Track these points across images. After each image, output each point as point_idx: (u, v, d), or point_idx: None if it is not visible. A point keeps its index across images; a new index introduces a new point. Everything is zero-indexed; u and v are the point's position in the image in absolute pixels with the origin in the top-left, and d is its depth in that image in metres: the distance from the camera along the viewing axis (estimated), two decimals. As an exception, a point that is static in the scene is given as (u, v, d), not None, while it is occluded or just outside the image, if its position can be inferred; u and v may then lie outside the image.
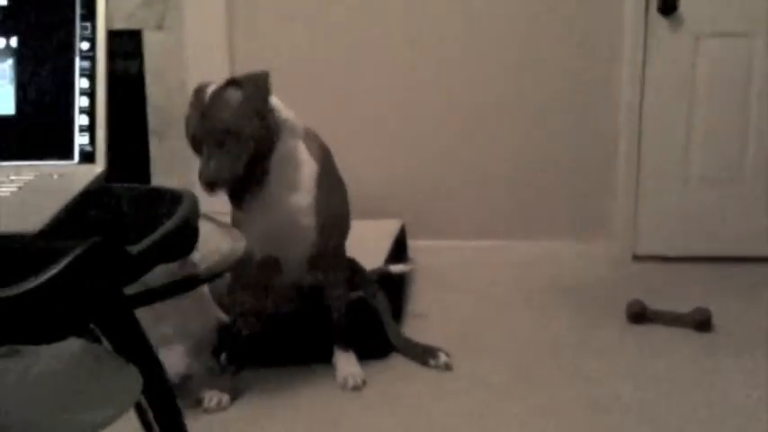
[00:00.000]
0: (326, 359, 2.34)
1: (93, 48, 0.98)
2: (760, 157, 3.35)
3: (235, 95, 2.00)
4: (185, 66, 3.31)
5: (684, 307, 2.72)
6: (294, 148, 2.13)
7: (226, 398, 2.18)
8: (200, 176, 1.98)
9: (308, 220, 2.15)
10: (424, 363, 2.40)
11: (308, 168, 2.15)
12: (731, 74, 3.31)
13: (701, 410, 2.15)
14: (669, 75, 3.32)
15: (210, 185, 1.97)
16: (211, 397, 2.17)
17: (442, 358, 2.40)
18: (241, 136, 1.98)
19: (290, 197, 2.12)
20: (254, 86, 2.01)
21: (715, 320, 2.69)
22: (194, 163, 3.35)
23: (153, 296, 0.93)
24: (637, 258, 3.42)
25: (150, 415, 1.19)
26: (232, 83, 2.01)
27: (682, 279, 3.19)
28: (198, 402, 2.16)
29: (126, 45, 3.33)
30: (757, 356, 2.47)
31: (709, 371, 2.39)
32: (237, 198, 2.04)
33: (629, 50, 3.29)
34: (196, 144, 2.01)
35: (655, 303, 2.76)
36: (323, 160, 2.19)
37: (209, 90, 2.02)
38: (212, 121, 1.98)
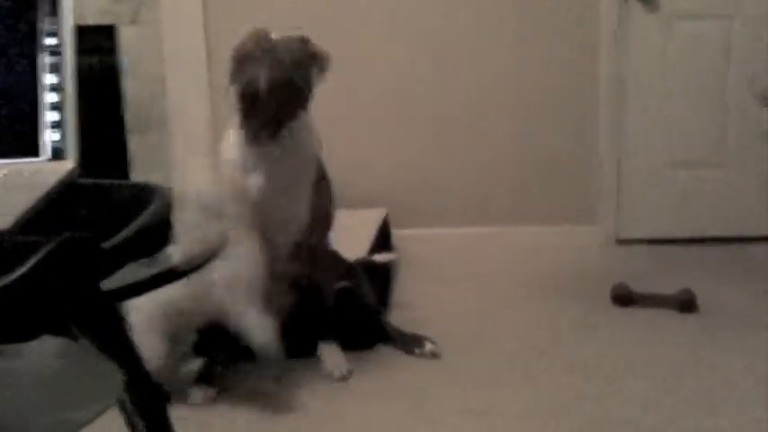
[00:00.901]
0: (312, 353, 2.34)
1: (60, 43, 0.97)
2: (740, 138, 3.36)
3: (303, 47, 2.11)
4: (162, 60, 3.27)
5: (669, 289, 2.73)
6: (308, 128, 2.17)
7: (211, 391, 2.17)
8: (248, 77, 2.02)
9: (303, 205, 2.16)
10: (410, 352, 2.40)
11: (311, 154, 2.19)
12: (709, 56, 3.31)
13: (691, 392, 2.16)
14: (646, 59, 3.32)
15: (252, 84, 2.01)
16: (197, 391, 2.16)
17: (428, 347, 2.40)
18: (301, 76, 2.09)
19: (292, 177, 2.14)
20: (322, 52, 2.14)
21: (699, 301, 2.70)
22: (175, 158, 3.35)
23: (131, 291, 0.92)
24: (621, 242, 3.43)
25: (135, 412, 1.18)
26: (305, 41, 2.12)
27: (665, 262, 3.21)
28: (183, 397, 2.15)
29: (100, 40, 3.29)
30: (741, 335, 2.49)
31: (696, 351, 2.41)
32: (260, 134, 2.07)
33: (606, 36, 3.28)
34: (246, 59, 2.05)
35: (639, 286, 2.77)
36: (318, 151, 2.23)
37: (278, 34, 2.10)
38: (277, 49, 2.06)
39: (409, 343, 2.42)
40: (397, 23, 3.31)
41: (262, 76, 2.01)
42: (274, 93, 2.03)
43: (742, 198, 3.38)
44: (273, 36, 2.10)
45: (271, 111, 2.05)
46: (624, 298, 2.74)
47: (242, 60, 2.06)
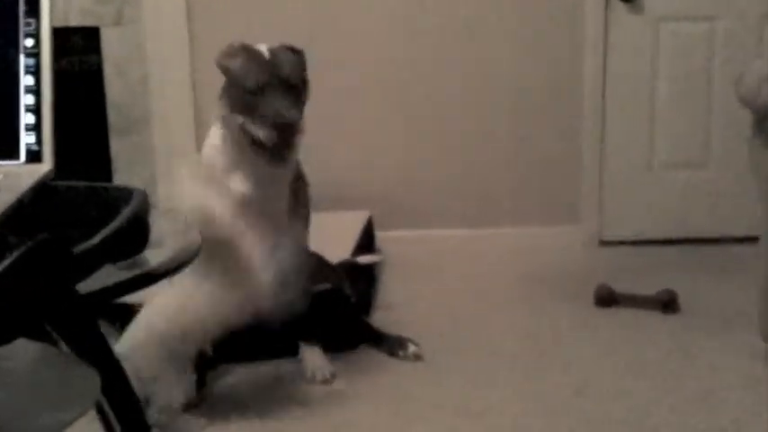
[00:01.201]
0: (293, 353, 2.33)
1: (37, 44, 0.97)
2: (724, 140, 3.37)
3: (294, 57, 2.13)
4: (145, 60, 3.26)
5: (651, 290, 2.74)
6: None
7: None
8: (274, 113, 2.03)
9: (282, 206, 2.17)
10: (393, 354, 2.40)
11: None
12: (694, 57, 3.33)
13: (678, 391, 2.18)
14: (631, 60, 3.33)
15: (283, 119, 2.03)
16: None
17: (411, 349, 2.40)
18: (303, 88, 2.12)
19: (272, 178, 2.14)
20: (303, 56, 2.16)
21: (681, 301, 2.71)
22: (158, 159, 3.34)
23: (107, 294, 0.92)
24: (603, 243, 3.44)
25: (112, 415, 1.17)
26: (290, 47, 2.14)
27: (648, 262, 3.22)
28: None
29: (83, 42, 3.28)
30: (723, 336, 2.50)
31: (679, 351, 2.42)
32: (278, 154, 2.08)
33: (591, 37, 3.29)
34: (257, 90, 2.06)
35: (622, 287, 2.78)
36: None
37: (264, 47, 2.10)
38: (281, 69, 2.07)
39: (392, 345, 2.42)
40: (384, 24, 3.31)
41: (291, 109, 2.04)
42: (300, 107, 2.10)
43: (725, 199, 3.40)
44: (264, 48, 2.10)
45: (294, 129, 2.08)
46: (607, 299, 2.75)
47: (255, 92, 2.05)
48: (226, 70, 2.11)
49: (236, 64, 2.09)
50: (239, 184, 2.10)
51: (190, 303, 2.05)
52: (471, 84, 3.36)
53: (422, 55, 3.33)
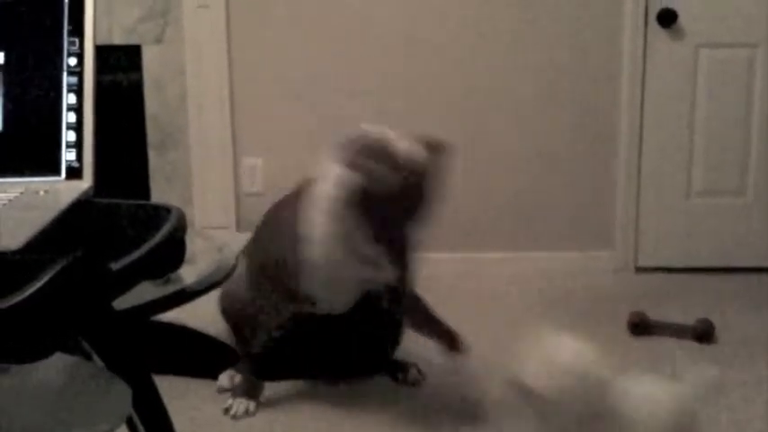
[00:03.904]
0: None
1: (80, 63, 0.98)
2: (762, 167, 3.34)
3: None
4: (185, 79, 3.31)
5: (686, 318, 2.70)
6: None
7: (252, 405, 2.18)
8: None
9: None
10: (394, 378, 2.37)
11: None
12: (732, 84, 3.30)
13: (710, 424, 2.13)
14: (669, 86, 3.31)
15: None
16: (239, 404, 2.16)
17: (412, 375, 2.36)
18: None
19: None
20: None
21: (717, 332, 2.67)
22: (195, 175, 3.38)
23: (143, 311, 0.93)
24: (639, 270, 3.40)
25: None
26: None
27: (684, 290, 3.17)
28: (225, 410, 2.16)
29: (124, 59, 3.34)
30: (760, 368, 2.45)
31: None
32: None
33: (629, 62, 3.28)
34: None
35: (657, 315, 2.74)
36: None
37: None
38: None
39: (395, 369, 2.39)
40: (417, 45, 3.32)
41: None
42: None
43: (763, 227, 3.35)
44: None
45: None
46: (641, 326, 2.71)
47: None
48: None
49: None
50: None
51: None
52: (506, 108, 3.35)
53: (460, 79, 3.33)
